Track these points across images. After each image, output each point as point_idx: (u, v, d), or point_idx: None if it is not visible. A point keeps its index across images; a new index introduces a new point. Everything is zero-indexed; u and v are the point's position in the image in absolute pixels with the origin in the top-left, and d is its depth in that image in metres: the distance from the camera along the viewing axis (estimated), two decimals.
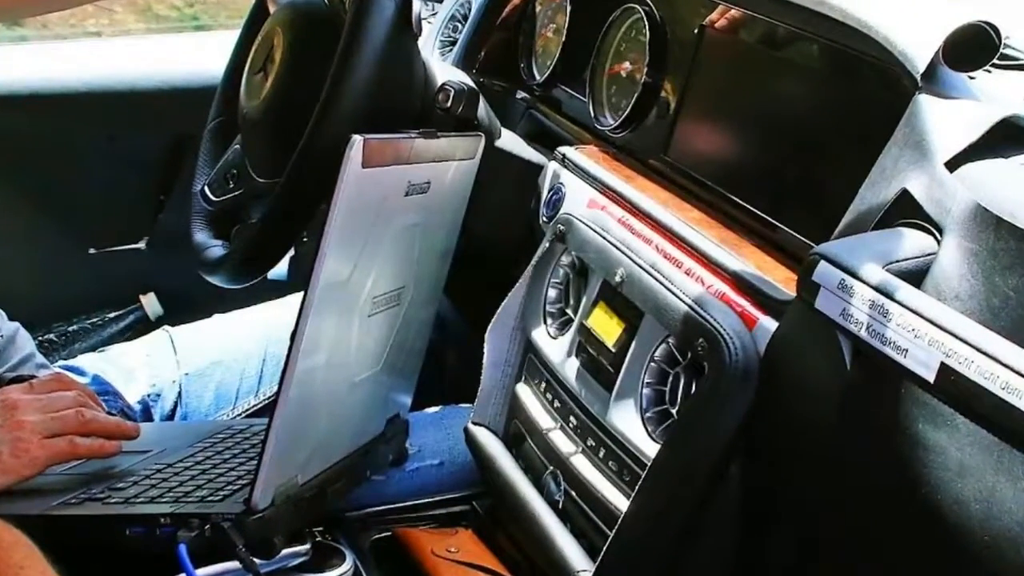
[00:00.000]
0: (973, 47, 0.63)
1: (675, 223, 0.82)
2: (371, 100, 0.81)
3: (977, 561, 0.53)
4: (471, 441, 0.95)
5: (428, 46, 1.38)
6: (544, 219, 1.00)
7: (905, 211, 0.62)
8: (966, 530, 0.53)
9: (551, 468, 0.86)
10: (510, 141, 1.06)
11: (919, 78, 0.68)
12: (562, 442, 0.86)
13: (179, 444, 0.93)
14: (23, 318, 1.10)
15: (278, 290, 1.25)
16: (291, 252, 0.92)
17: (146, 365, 1.12)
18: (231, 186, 0.98)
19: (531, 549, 0.87)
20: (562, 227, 0.89)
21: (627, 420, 0.78)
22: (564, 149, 1.01)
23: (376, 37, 0.80)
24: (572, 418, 0.85)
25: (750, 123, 0.86)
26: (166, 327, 1.18)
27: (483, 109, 0.99)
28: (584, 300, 0.86)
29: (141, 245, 1.52)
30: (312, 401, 0.76)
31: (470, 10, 1.30)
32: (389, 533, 0.92)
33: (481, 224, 1.00)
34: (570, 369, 0.86)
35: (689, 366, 0.74)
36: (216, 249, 0.97)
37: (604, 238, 0.84)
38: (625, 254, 0.81)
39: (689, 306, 0.72)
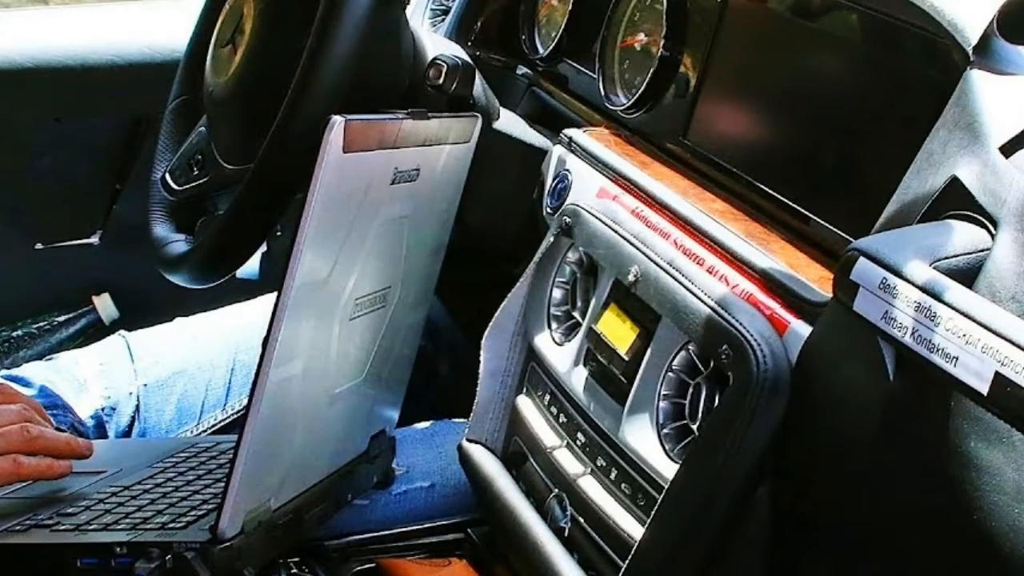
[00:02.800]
0: None
1: (696, 215, 0.82)
2: (353, 76, 0.81)
3: None
4: (466, 460, 0.95)
5: (417, 15, 1.38)
6: (548, 210, 1.00)
7: (955, 202, 0.63)
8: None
9: (556, 491, 0.86)
10: (510, 122, 1.06)
11: (971, 52, 0.68)
12: (568, 462, 0.86)
13: (137, 464, 0.94)
14: None
15: (248, 291, 1.26)
16: (263, 248, 0.92)
17: (100, 375, 1.12)
18: (195, 173, 0.99)
19: None
20: (568, 219, 0.89)
21: (642, 437, 0.78)
22: (571, 132, 1.01)
23: (359, 5, 0.80)
24: (580, 435, 0.86)
25: (780, 102, 0.86)
26: (122, 332, 1.18)
27: (479, 86, 0.99)
28: (593, 302, 0.86)
29: (94, 240, 1.52)
30: (286, 416, 0.76)
31: None
32: (373, 564, 0.92)
33: (477, 216, 1.00)
34: (577, 379, 0.86)
35: (711, 376, 0.75)
36: (178, 244, 0.97)
37: (615, 232, 0.84)
38: (639, 250, 0.81)
39: (711, 308, 0.72)
